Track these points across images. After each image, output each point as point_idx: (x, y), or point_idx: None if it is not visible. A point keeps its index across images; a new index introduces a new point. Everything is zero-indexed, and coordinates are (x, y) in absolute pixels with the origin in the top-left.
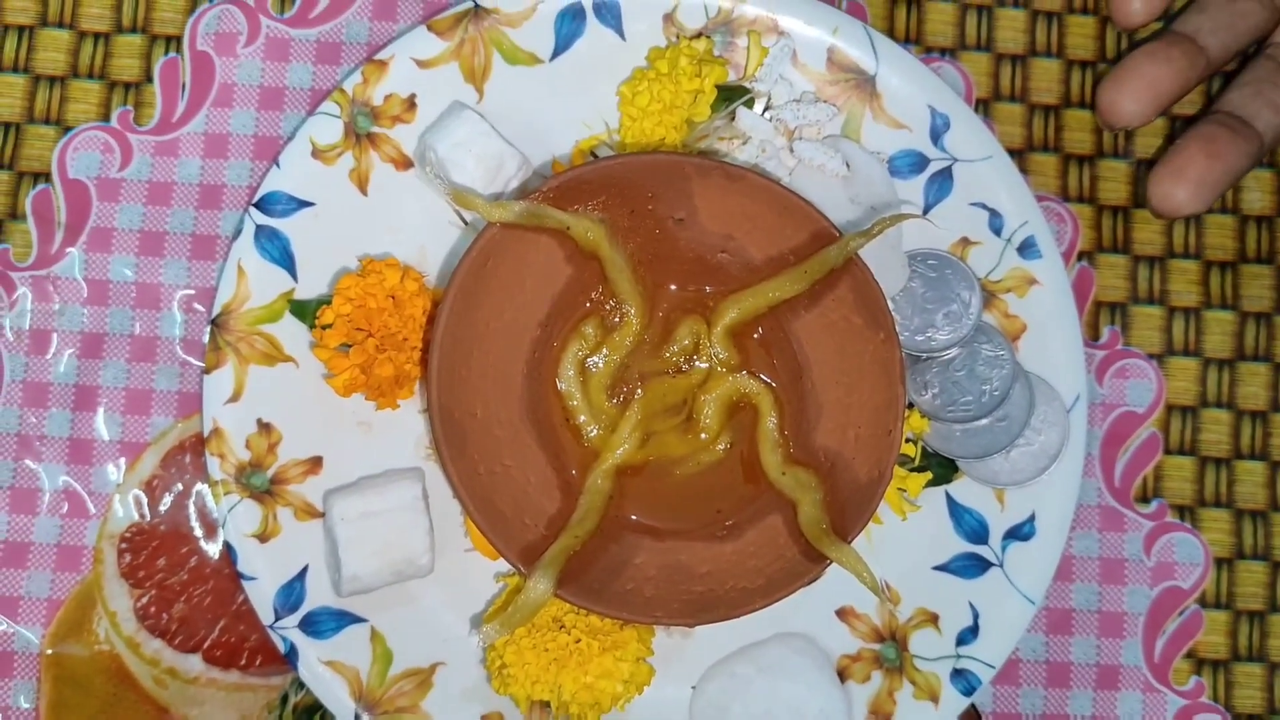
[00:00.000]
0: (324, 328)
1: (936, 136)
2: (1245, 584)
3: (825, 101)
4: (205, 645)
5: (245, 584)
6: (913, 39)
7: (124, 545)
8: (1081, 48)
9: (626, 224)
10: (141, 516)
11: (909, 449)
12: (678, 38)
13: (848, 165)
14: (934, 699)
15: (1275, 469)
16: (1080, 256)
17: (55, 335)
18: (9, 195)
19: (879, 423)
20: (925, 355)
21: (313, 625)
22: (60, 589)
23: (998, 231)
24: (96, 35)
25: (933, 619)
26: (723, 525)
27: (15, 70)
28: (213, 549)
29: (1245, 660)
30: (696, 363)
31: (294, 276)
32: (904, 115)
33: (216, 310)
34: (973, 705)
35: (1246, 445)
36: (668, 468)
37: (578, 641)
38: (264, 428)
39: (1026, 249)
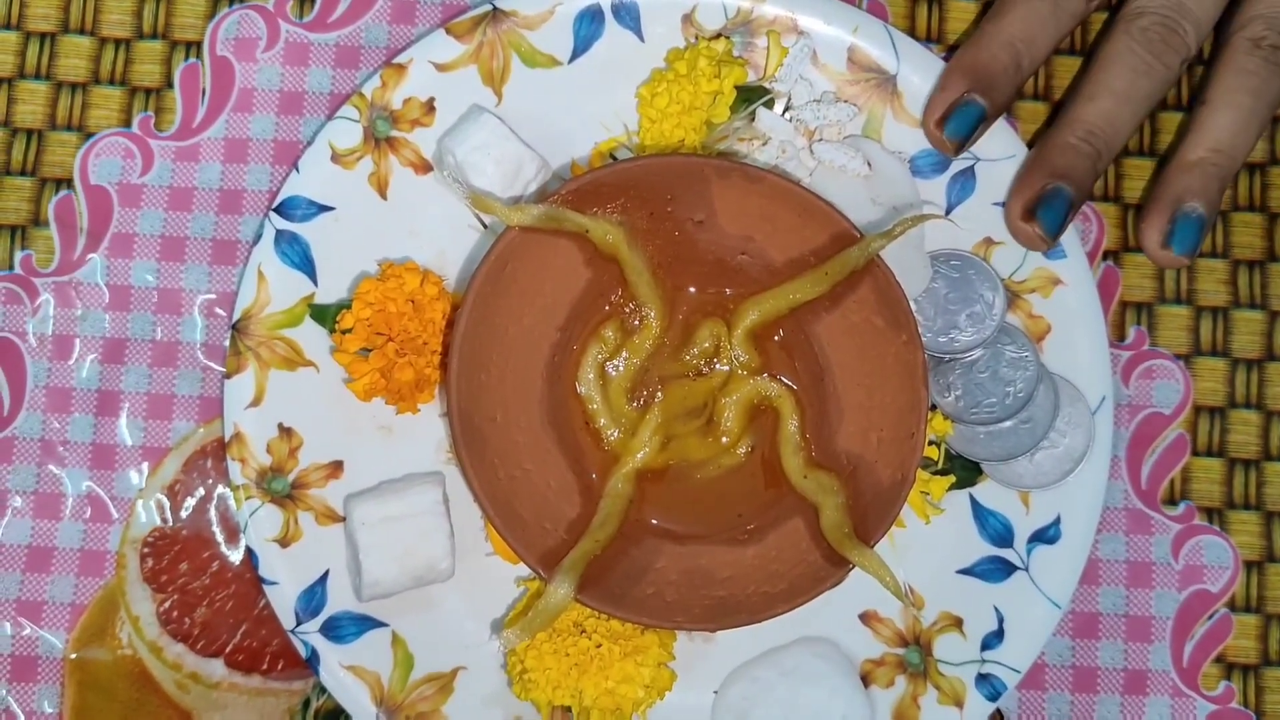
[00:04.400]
0: (344, 332)
1: None
2: (1275, 587)
3: (846, 101)
4: (227, 650)
5: (267, 589)
6: (934, 38)
7: (146, 550)
8: None
9: (646, 226)
10: (164, 521)
11: (932, 452)
12: (696, 39)
13: (869, 165)
14: (958, 704)
15: None
16: (1105, 256)
17: (78, 341)
18: (31, 201)
19: (901, 425)
20: (948, 357)
21: (334, 630)
22: (83, 594)
23: None
24: (117, 41)
25: (957, 623)
26: (744, 529)
27: (37, 77)
28: (234, 554)
29: (1276, 665)
30: (717, 365)
31: (314, 281)
32: None
33: (237, 315)
34: (998, 710)
35: (1276, 446)
36: (688, 471)
37: (599, 646)
38: (285, 432)
39: (1050, 249)
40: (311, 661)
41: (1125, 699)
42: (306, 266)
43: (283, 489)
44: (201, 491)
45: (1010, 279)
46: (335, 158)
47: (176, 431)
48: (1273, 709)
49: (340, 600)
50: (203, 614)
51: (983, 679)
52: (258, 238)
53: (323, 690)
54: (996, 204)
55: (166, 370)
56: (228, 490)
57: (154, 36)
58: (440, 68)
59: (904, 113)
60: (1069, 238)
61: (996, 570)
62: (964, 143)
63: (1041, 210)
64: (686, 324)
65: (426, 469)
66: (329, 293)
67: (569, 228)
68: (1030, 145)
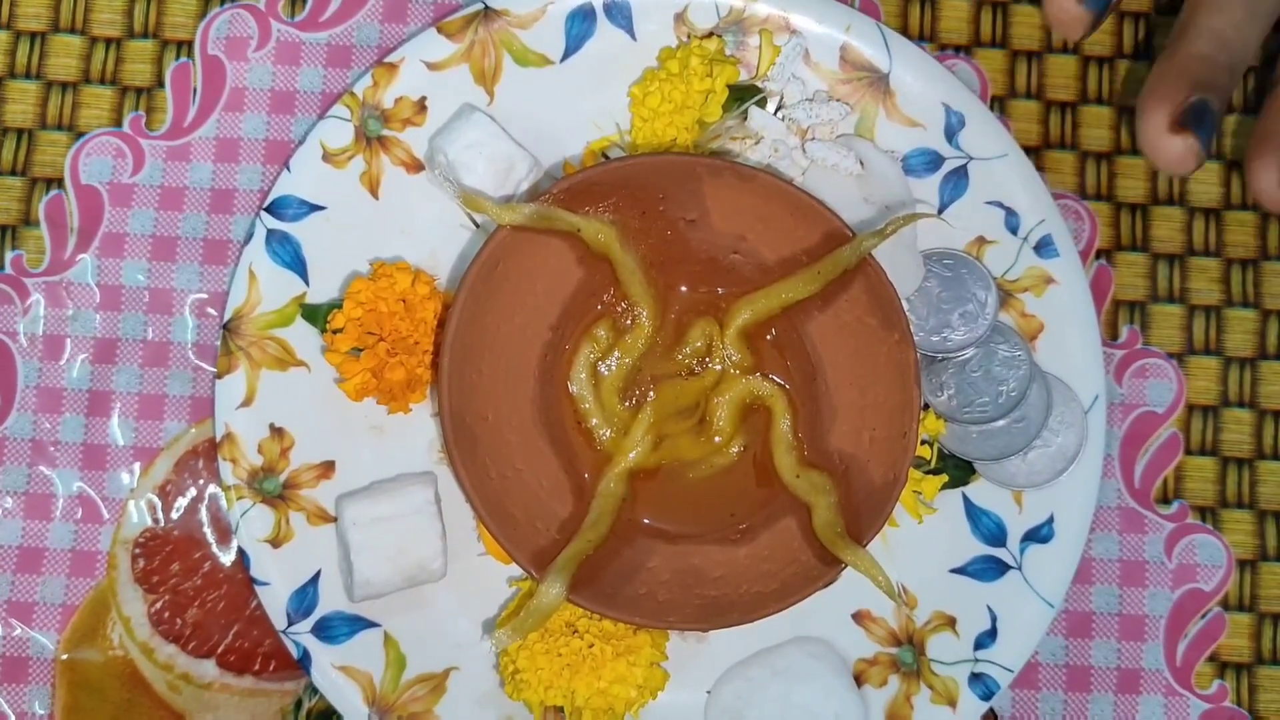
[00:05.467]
0: (335, 332)
1: (951, 134)
2: (1268, 586)
3: (838, 100)
4: (219, 650)
5: (258, 589)
6: (927, 36)
7: (138, 550)
8: (1099, 43)
9: (638, 225)
10: (155, 522)
11: (924, 451)
12: (689, 37)
13: (861, 164)
14: (951, 704)
15: None
16: (1098, 255)
17: (69, 341)
18: (22, 201)
19: (894, 425)
20: (941, 356)
21: (326, 630)
22: (74, 594)
23: (1014, 230)
24: (108, 41)
25: (950, 622)
26: (736, 529)
27: (28, 76)
28: (226, 554)
29: (1269, 663)
30: (709, 365)
31: (305, 280)
32: (918, 113)
33: (228, 315)
34: (991, 710)
35: (1269, 445)
36: (681, 471)
37: (591, 646)
38: (276, 432)
39: (1043, 248)
40: (303, 662)
41: (1119, 698)
42: (298, 266)
43: (274, 489)
44: (193, 492)
45: (1003, 278)
46: (327, 157)
47: (168, 432)
48: (1266, 707)
49: (332, 600)
50: (194, 615)
51: (976, 678)
52: (249, 237)
53: (315, 691)
54: (989, 203)
55: (158, 370)
56: (219, 490)
57: (145, 36)
58: (432, 67)
59: (896, 111)
60: (1061, 237)
61: (989, 569)
62: (1101, 15)
63: (1192, 122)
64: (679, 323)
65: (418, 469)
66: (320, 292)
67: (561, 227)
68: (1027, 149)
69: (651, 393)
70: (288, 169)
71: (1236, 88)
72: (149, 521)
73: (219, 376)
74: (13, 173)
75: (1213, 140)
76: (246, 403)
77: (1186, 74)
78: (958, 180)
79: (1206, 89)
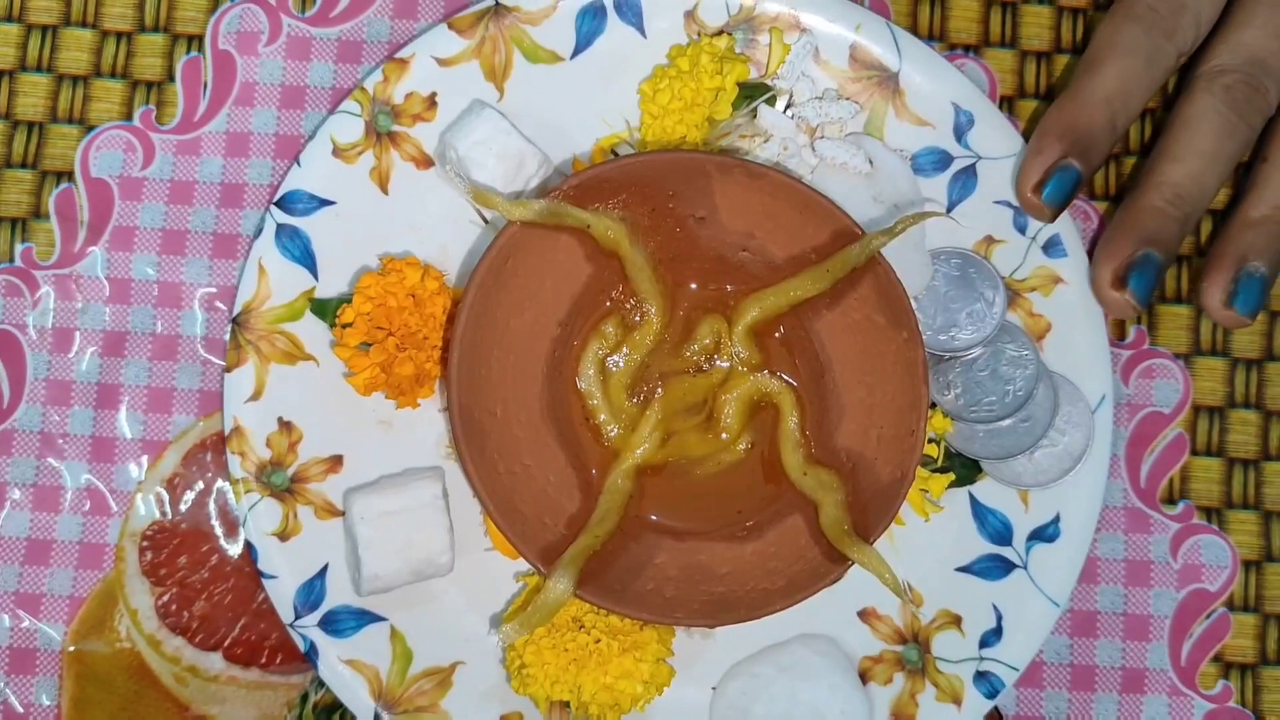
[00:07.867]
0: (344, 326)
1: (960, 134)
2: (1273, 587)
3: (848, 99)
4: (226, 643)
5: (266, 582)
6: (936, 36)
7: (145, 543)
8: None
9: (647, 222)
10: (163, 514)
11: (931, 449)
12: (699, 35)
13: (870, 163)
14: (956, 702)
15: None
16: None
17: (78, 334)
18: (32, 194)
19: (901, 423)
20: (948, 355)
21: (333, 624)
22: (82, 586)
23: (1022, 229)
24: (119, 34)
25: (955, 621)
26: (743, 526)
27: (38, 69)
28: (233, 547)
29: (1273, 664)
30: (717, 362)
31: (315, 275)
32: (927, 112)
33: (238, 309)
34: (996, 708)
35: (1275, 446)
36: (688, 468)
37: (597, 642)
38: (285, 426)
39: (1051, 247)
40: (310, 655)
41: (1123, 697)
42: (307, 260)
43: (282, 483)
44: (201, 485)
45: (1011, 277)
46: (337, 152)
47: (176, 425)
48: (1270, 708)
49: (339, 594)
50: (201, 607)
51: (981, 677)
52: (258, 231)
53: (321, 684)
54: (998, 202)
55: (166, 364)
56: (227, 484)
57: (156, 30)
58: (442, 63)
59: (906, 110)
60: (1070, 236)
61: (995, 568)
62: (1061, 209)
63: (1133, 278)
64: (687, 320)
65: (426, 464)
66: (329, 287)
67: (570, 223)
68: (1026, 138)
69: (659, 389)
70: (298, 164)
71: (1190, 234)
72: (157, 514)
73: (228, 370)
74: (23, 166)
75: (1152, 292)
76: (255, 396)
77: (1136, 228)
78: (966, 179)
79: (1154, 242)
